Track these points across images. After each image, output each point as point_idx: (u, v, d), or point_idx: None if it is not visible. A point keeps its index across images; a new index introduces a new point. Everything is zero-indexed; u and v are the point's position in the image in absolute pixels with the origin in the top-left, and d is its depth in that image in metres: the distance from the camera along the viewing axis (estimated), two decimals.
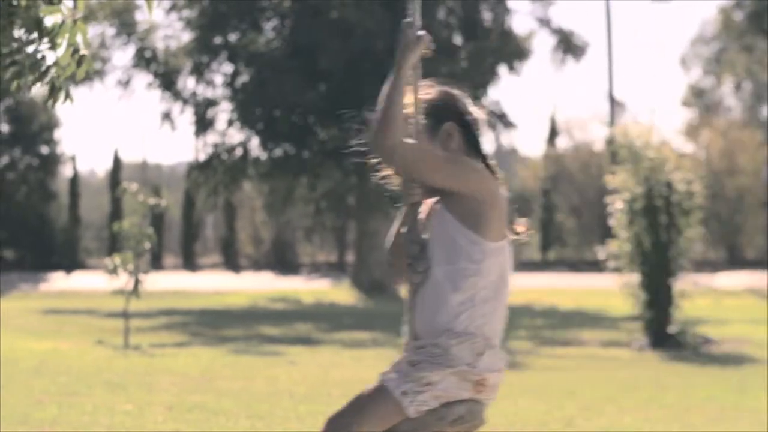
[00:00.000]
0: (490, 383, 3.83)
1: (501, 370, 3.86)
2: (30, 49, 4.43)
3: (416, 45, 3.95)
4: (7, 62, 4.39)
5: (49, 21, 4.40)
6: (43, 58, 4.44)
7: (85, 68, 4.44)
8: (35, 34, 4.40)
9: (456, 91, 4.10)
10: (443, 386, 3.77)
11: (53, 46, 4.42)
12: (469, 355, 3.79)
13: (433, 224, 3.88)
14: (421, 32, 3.97)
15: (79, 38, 4.42)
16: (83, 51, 4.44)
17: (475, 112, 4.06)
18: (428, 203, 3.96)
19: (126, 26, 33.64)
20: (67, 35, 4.38)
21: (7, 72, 4.39)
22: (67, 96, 4.52)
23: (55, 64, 4.43)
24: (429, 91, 4.07)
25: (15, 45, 4.42)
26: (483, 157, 4.00)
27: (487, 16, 34.14)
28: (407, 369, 3.81)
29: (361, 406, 3.80)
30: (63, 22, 4.38)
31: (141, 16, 33.77)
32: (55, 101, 4.51)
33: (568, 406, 9.49)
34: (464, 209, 3.83)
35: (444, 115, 4.01)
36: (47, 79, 4.44)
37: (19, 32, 4.41)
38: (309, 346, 15.99)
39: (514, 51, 33.61)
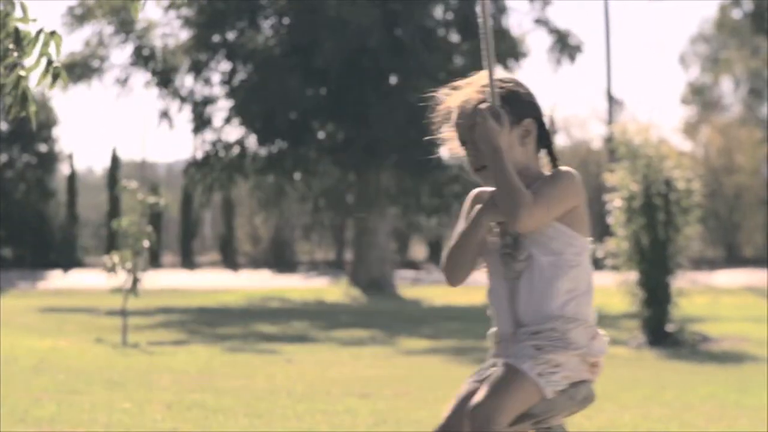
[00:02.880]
0: (600, 365, 4.06)
1: (605, 353, 4.07)
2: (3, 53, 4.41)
3: (500, 127, 4.00)
4: None
5: (26, 29, 4.38)
6: (15, 66, 4.42)
7: (62, 81, 4.42)
8: (10, 45, 4.38)
9: (528, 87, 4.18)
10: (570, 367, 3.95)
11: (21, 56, 4.39)
12: (584, 339, 3.99)
13: None
14: (498, 111, 4.02)
15: (52, 49, 4.40)
16: (56, 63, 4.41)
17: (545, 108, 4.19)
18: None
19: (124, 24, 33.64)
20: (39, 45, 4.36)
21: None
22: (34, 105, 4.48)
23: (25, 74, 4.39)
24: (505, 81, 4.15)
25: None
26: (553, 154, 4.18)
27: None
28: (534, 353, 3.92)
29: (500, 392, 3.83)
30: (40, 32, 4.37)
31: (139, 14, 33.78)
32: (20, 112, 4.45)
33: None
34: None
35: (523, 110, 4.11)
36: (19, 88, 4.41)
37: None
38: (307, 344, 16.00)
39: (510, 50, 33.61)
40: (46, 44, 4.36)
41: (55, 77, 4.38)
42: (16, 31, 4.34)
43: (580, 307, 4.02)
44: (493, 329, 4.15)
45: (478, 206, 4.08)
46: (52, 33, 4.37)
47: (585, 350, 3.98)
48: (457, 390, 4.06)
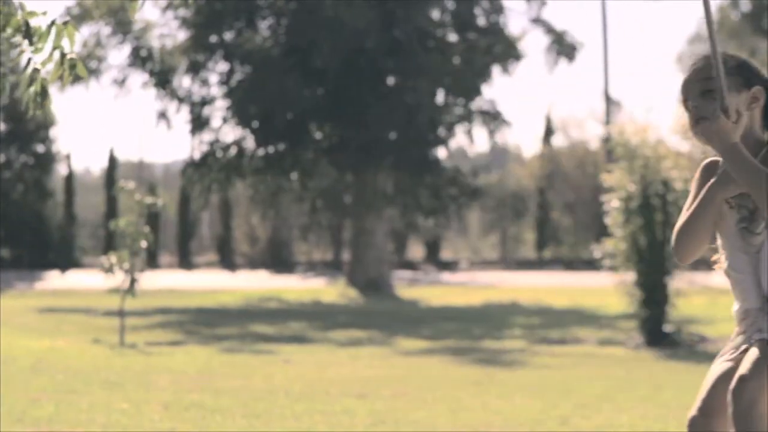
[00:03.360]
0: None
1: None
2: (15, 52, 4.40)
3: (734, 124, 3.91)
4: None
5: (37, 24, 4.35)
6: (29, 61, 4.39)
7: (79, 72, 4.38)
8: (19, 38, 4.36)
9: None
10: None
11: (36, 50, 4.36)
12: None
13: None
14: (727, 107, 3.92)
15: (65, 42, 4.36)
16: (71, 55, 4.37)
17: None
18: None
19: (121, 25, 33.63)
20: (51, 38, 4.33)
21: None
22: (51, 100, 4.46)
23: (41, 67, 4.37)
24: (732, 54, 4.13)
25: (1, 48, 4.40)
26: None
27: (481, 15, 34.15)
28: None
29: (761, 371, 3.78)
30: (53, 24, 4.33)
31: (136, 15, 33.75)
32: (36, 106, 4.43)
33: (564, 405, 9.50)
34: None
35: (752, 79, 4.06)
36: (36, 83, 4.38)
37: (5, 34, 4.37)
38: (304, 344, 16.00)
39: (507, 51, 33.62)
40: (58, 36, 4.32)
41: (72, 68, 4.34)
42: (27, 25, 4.31)
43: None
44: (737, 306, 4.07)
45: (709, 182, 3.99)
46: (65, 23, 4.33)
47: None
48: (709, 371, 4.00)
